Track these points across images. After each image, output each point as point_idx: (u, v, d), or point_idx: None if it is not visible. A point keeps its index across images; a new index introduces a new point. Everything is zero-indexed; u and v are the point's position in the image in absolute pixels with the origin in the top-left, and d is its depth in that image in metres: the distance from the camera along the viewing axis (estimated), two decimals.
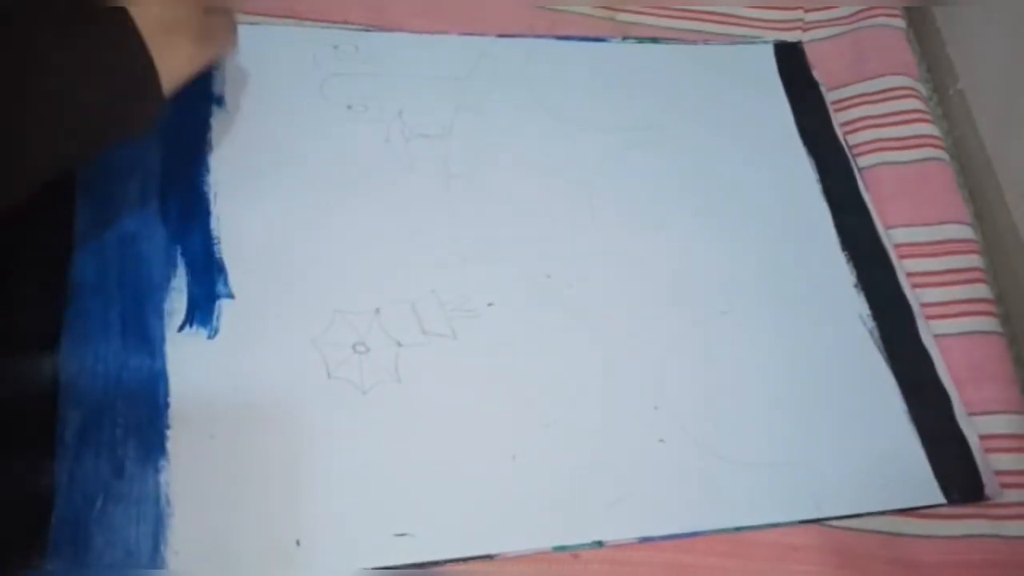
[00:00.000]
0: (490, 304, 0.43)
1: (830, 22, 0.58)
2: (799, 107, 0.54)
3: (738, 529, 0.39)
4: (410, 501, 0.38)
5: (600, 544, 0.38)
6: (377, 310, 0.42)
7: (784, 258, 0.48)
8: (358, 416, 0.39)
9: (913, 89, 0.54)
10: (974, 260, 0.48)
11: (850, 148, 0.53)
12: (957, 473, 0.42)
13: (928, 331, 0.46)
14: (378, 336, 0.41)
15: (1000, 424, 0.44)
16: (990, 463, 0.43)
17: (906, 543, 0.41)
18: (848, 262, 0.48)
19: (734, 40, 0.57)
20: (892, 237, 0.49)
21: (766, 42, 0.57)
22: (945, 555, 0.40)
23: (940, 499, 0.41)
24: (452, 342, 0.42)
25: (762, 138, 0.52)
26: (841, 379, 0.44)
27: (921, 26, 0.60)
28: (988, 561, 0.40)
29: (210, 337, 0.39)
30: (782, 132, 0.53)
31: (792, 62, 0.56)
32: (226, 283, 0.41)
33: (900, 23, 0.57)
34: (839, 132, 0.53)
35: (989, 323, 0.47)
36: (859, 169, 0.52)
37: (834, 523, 0.40)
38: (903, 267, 0.48)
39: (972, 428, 0.43)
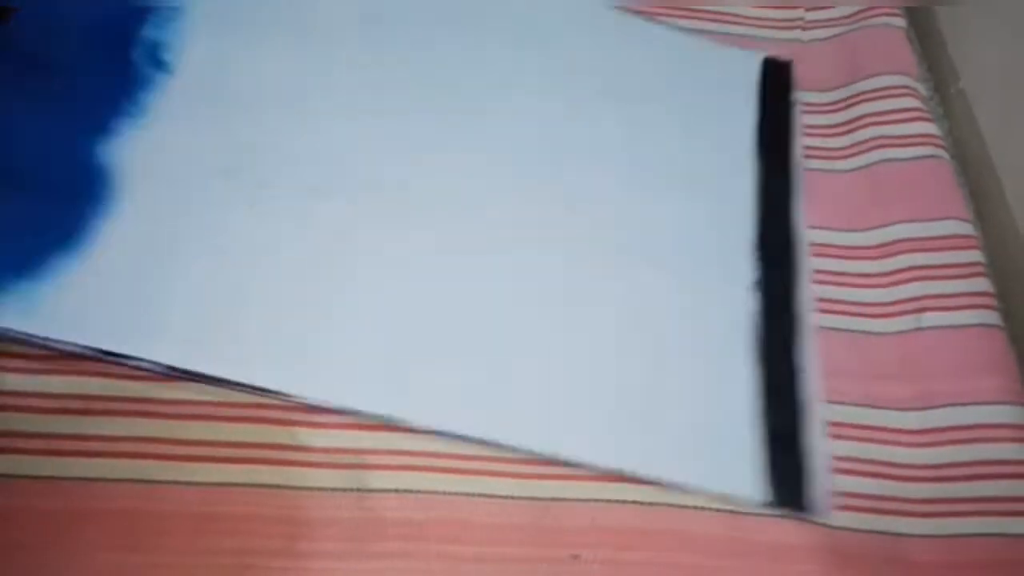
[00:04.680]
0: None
1: (831, 21, 0.58)
2: (765, 114, 0.54)
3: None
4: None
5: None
6: None
7: (696, 223, 0.49)
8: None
9: (913, 88, 0.54)
10: (975, 255, 0.48)
11: (802, 166, 0.52)
12: (789, 480, 0.41)
13: (813, 344, 0.46)
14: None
15: (1001, 414, 0.43)
16: (832, 482, 0.42)
17: (906, 543, 0.41)
18: (755, 261, 0.48)
19: (733, 41, 0.57)
20: (893, 233, 0.49)
21: (762, 51, 0.57)
22: (945, 555, 0.40)
23: (763, 497, 0.41)
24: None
25: (717, 128, 0.53)
26: (708, 366, 0.44)
27: (922, 26, 0.60)
28: (989, 560, 0.40)
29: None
30: (739, 130, 0.53)
31: (775, 77, 0.56)
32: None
33: (900, 23, 0.57)
34: (797, 148, 0.53)
35: (990, 316, 0.47)
36: (801, 185, 0.51)
37: (833, 523, 0.40)
38: (888, 265, 0.48)
39: (826, 443, 0.43)
